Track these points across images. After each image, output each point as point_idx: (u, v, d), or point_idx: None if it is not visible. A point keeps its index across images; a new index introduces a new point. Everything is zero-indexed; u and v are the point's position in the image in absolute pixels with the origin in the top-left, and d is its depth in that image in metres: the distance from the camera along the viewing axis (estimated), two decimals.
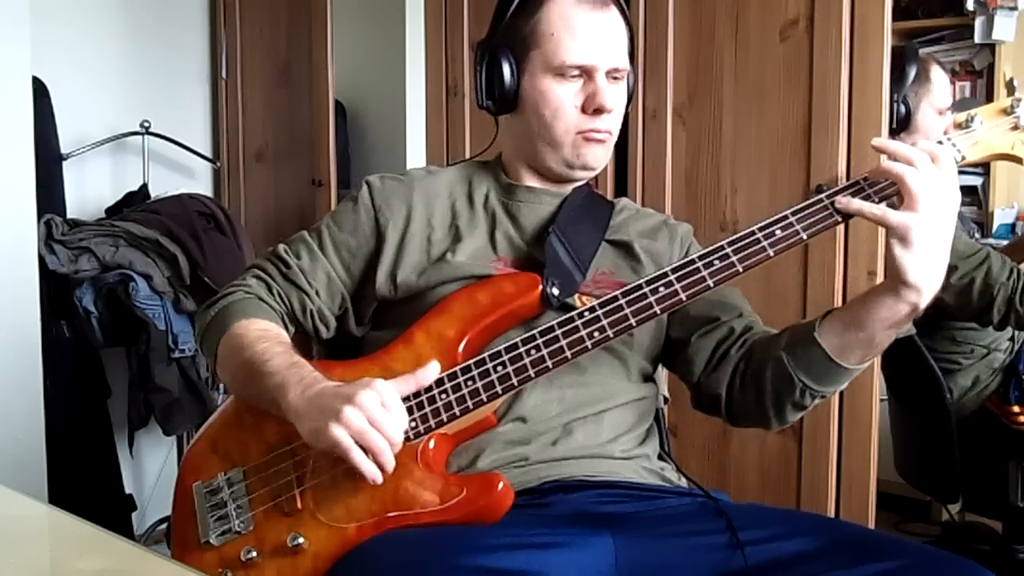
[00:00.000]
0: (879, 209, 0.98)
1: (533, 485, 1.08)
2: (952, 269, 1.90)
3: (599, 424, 1.14)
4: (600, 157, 1.22)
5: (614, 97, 1.19)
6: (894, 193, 1.00)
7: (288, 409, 1.01)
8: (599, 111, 1.18)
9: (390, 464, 0.96)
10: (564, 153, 1.20)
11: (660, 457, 1.23)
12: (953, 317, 2.00)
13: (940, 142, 1.06)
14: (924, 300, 0.99)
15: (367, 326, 1.26)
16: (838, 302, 1.80)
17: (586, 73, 1.18)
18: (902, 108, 2.00)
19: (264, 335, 1.13)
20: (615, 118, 1.21)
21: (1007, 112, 1.09)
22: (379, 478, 0.96)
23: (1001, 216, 3.09)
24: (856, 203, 1.00)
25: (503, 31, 1.22)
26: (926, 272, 0.97)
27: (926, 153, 0.98)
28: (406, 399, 1.05)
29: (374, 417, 0.95)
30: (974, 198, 3.16)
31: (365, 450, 0.95)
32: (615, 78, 1.20)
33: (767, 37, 1.89)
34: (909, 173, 0.97)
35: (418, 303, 1.16)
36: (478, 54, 1.24)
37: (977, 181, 3.14)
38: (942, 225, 0.97)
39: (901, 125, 2.01)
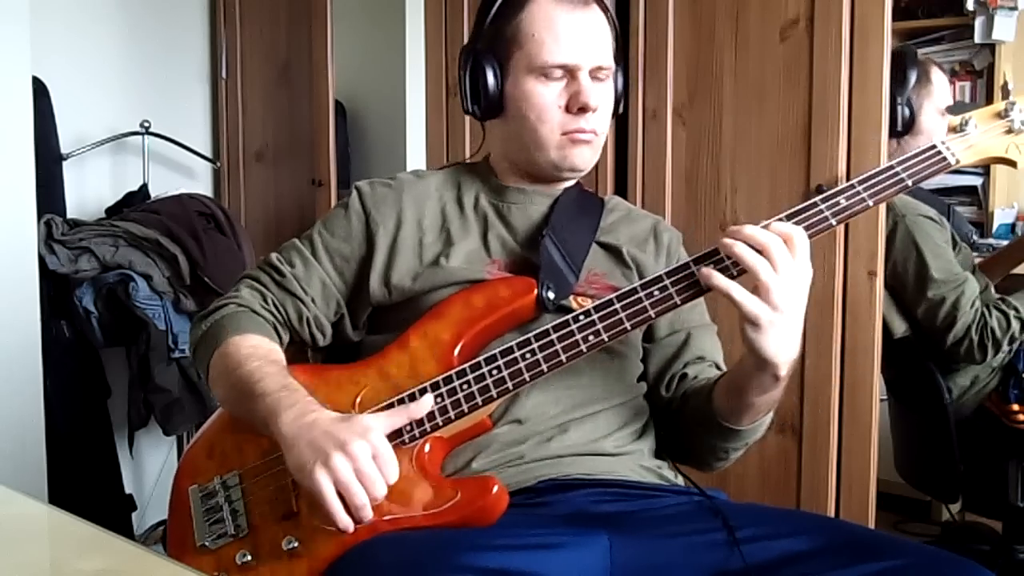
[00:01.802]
0: (740, 295, 0.98)
1: (529, 484, 1.08)
2: (933, 284, 1.95)
3: (595, 422, 1.15)
4: (587, 158, 1.21)
5: (598, 96, 1.18)
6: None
7: (278, 435, 1.00)
8: (583, 109, 1.17)
9: (367, 518, 0.95)
10: (550, 155, 1.20)
11: (658, 455, 1.23)
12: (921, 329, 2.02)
13: (934, 146, 1.07)
14: (783, 371, 1.02)
15: (363, 331, 1.25)
16: (838, 302, 1.80)
17: (569, 72, 1.17)
18: (906, 111, 2.00)
19: (255, 352, 1.12)
20: (600, 117, 1.20)
21: (1001, 116, 1.10)
22: (350, 529, 0.96)
23: (1001, 216, 3.09)
24: (718, 279, 1.00)
25: (485, 36, 1.22)
26: (780, 350, 1.00)
27: (780, 237, 0.98)
28: (401, 403, 1.06)
29: (362, 471, 0.94)
30: (974, 198, 3.16)
31: (344, 499, 0.94)
32: (599, 78, 1.19)
33: (767, 37, 1.89)
34: (762, 268, 0.97)
35: (413, 307, 1.16)
36: (461, 60, 1.24)
37: (977, 181, 3.14)
38: (795, 309, 0.99)
39: (906, 128, 2.01)
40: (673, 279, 1.05)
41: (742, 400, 1.08)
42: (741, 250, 0.99)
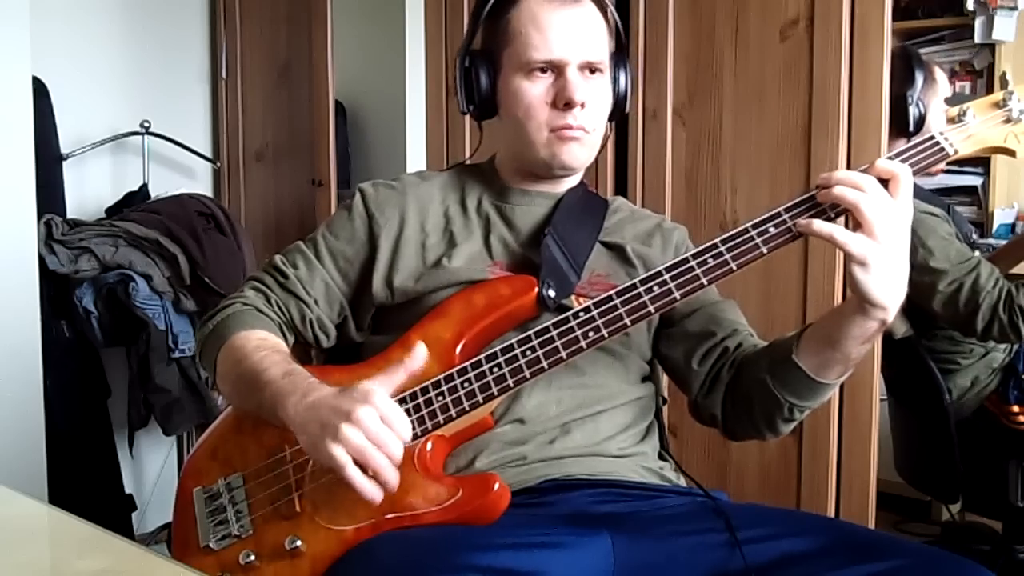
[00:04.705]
0: (844, 235, 0.96)
1: (531, 484, 1.08)
2: (943, 275, 1.91)
3: (597, 423, 1.14)
4: (577, 155, 1.20)
5: (587, 91, 1.17)
6: (845, 211, 0.99)
7: (287, 420, 1.00)
8: (569, 105, 1.15)
9: (392, 481, 0.94)
10: (539, 153, 1.19)
11: (660, 456, 1.23)
12: (941, 325, 2.01)
13: (932, 137, 1.06)
14: (891, 315, 1.00)
15: (367, 332, 1.25)
16: (838, 301, 1.80)
17: (556, 69, 1.17)
18: (917, 110, 2.00)
19: (262, 344, 1.12)
20: (590, 114, 1.18)
21: (999, 105, 1.09)
22: (378, 497, 0.94)
23: (1001, 216, 3.09)
24: (818, 224, 0.98)
25: (477, 36, 1.23)
26: (889, 290, 0.98)
27: (878, 177, 0.98)
28: (403, 401, 1.06)
29: (373, 434, 0.93)
30: (974, 198, 3.16)
31: (365, 468, 0.93)
32: (590, 73, 1.18)
33: (767, 37, 1.89)
34: (863, 201, 0.96)
35: (416, 308, 1.16)
36: (457, 61, 1.24)
37: (977, 181, 3.14)
38: (900, 245, 0.97)
39: (918, 126, 2.01)
40: (672, 274, 1.04)
41: (839, 351, 1.04)
42: (841, 191, 0.97)
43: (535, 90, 1.17)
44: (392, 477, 0.94)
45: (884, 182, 0.98)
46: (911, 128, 1.99)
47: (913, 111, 1.98)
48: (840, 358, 1.05)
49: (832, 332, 1.04)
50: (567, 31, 1.17)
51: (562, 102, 1.16)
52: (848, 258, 0.96)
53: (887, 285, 0.97)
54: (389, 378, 1.01)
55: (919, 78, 2.01)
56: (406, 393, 1.07)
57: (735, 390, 1.18)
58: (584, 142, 1.19)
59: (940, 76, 2.10)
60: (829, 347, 1.05)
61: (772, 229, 1.02)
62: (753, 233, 1.02)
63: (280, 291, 1.22)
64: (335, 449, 0.93)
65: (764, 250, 1.02)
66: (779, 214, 1.02)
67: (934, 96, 2.07)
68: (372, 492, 0.94)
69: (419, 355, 1.10)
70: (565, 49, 1.16)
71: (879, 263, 0.96)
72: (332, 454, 0.93)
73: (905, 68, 1.97)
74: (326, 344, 1.25)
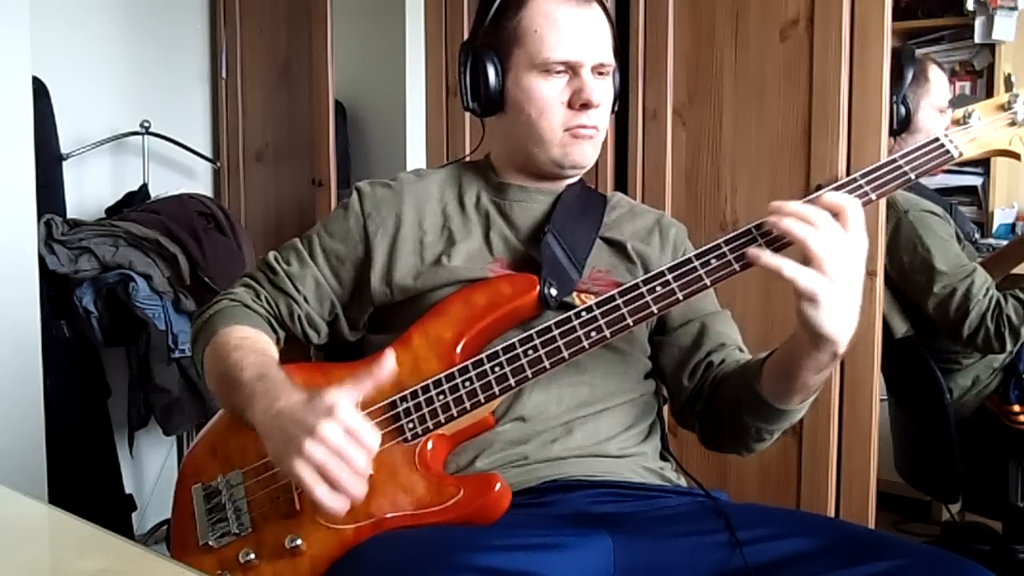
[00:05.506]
0: (792, 270, 0.94)
1: (532, 485, 1.08)
2: (939, 277, 1.92)
3: (598, 423, 1.14)
4: (588, 154, 1.21)
5: (600, 92, 1.18)
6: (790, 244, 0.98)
7: (255, 425, 0.99)
8: (586, 106, 1.17)
9: (357, 493, 0.92)
10: (552, 152, 1.20)
11: (662, 456, 1.23)
12: (932, 325, 2.01)
13: (937, 139, 1.06)
14: (842, 347, 0.98)
15: (361, 331, 1.25)
16: None
17: (571, 69, 1.17)
18: (902, 109, 2.00)
19: (242, 343, 1.12)
20: (602, 114, 1.20)
21: (1005, 108, 1.09)
22: (342, 511, 0.92)
23: (1001, 216, 3.09)
24: (767, 257, 0.96)
25: (485, 32, 1.22)
26: (839, 325, 0.96)
27: (827, 210, 0.96)
28: (403, 400, 1.06)
29: (337, 449, 0.91)
30: (974, 198, 3.16)
31: (331, 482, 0.91)
32: (601, 73, 1.19)
33: (767, 37, 1.89)
34: (811, 237, 0.94)
35: (416, 306, 1.16)
36: (461, 56, 1.24)
37: (977, 181, 3.14)
38: (851, 280, 0.96)
39: (901, 126, 2.01)
40: (675, 274, 1.04)
41: (796, 381, 1.03)
42: (789, 224, 0.96)
43: (551, 90, 1.18)
44: (356, 489, 0.92)
45: (835, 214, 0.96)
46: (895, 127, 1.98)
47: (896, 110, 1.98)
48: (798, 387, 1.05)
49: (785, 364, 1.04)
50: (582, 32, 1.17)
51: (579, 103, 1.17)
52: (796, 293, 0.95)
53: (836, 320, 0.95)
54: (356, 387, 0.97)
55: (908, 76, 2.01)
56: (407, 392, 1.07)
57: (712, 408, 1.19)
58: (595, 141, 1.21)
59: (936, 77, 2.09)
60: (785, 378, 1.05)
61: (775, 231, 1.01)
62: (756, 234, 1.02)
63: (270, 287, 1.23)
64: (297, 464, 0.91)
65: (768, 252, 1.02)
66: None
67: (926, 96, 2.06)
68: (335, 506, 0.92)
69: (419, 354, 1.10)
70: (581, 50, 1.17)
71: (829, 299, 0.94)
72: (296, 471, 0.91)
73: (894, 66, 1.97)
74: (316, 341, 1.25)
